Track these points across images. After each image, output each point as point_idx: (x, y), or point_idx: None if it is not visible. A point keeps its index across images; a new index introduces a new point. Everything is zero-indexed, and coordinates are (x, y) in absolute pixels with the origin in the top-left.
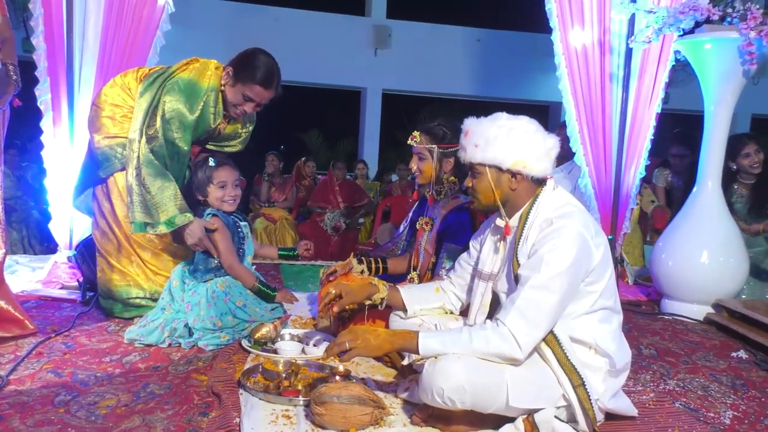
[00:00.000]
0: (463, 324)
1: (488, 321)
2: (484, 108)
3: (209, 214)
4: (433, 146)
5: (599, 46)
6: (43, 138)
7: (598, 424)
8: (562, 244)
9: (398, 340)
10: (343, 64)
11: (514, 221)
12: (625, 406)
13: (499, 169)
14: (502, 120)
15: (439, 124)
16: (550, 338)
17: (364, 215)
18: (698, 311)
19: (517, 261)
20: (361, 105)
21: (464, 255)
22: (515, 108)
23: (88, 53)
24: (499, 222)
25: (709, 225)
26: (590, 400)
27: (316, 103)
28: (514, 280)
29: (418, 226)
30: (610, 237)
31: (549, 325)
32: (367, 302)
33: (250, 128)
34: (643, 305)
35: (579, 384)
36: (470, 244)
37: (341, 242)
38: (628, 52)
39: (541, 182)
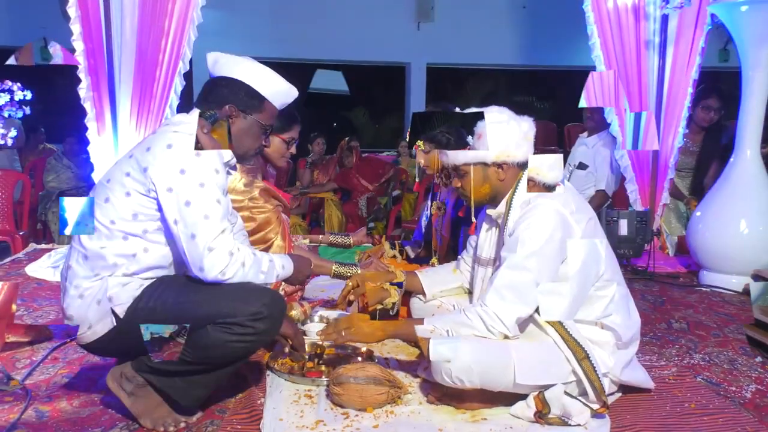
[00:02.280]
0: None
1: (474, 304)
2: (531, 77)
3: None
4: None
5: (633, 13)
6: (88, 134)
7: (607, 396)
8: (537, 222)
9: (390, 327)
10: (386, 39)
11: (501, 207)
12: (640, 377)
13: (485, 164)
14: None
15: (441, 132)
16: None
17: (397, 185)
18: (737, 282)
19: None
20: (405, 80)
21: (472, 237)
22: (564, 75)
23: (126, 49)
24: (493, 212)
25: (748, 194)
26: (596, 372)
27: (361, 81)
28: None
29: (432, 211)
30: (646, 209)
31: (530, 302)
32: (378, 306)
33: None
34: (681, 277)
35: (583, 357)
36: (477, 230)
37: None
38: (664, 18)
39: (524, 166)
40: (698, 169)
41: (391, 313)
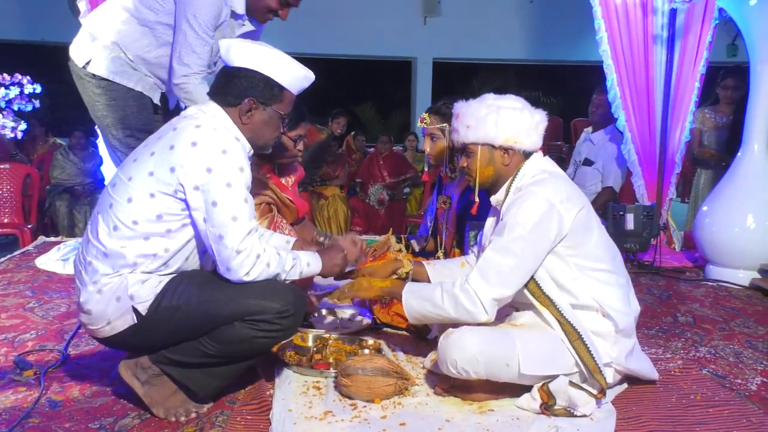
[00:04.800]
0: None
1: (458, 280)
2: (539, 71)
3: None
4: (444, 125)
5: (641, 7)
6: (97, 129)
7: (612, 386)
8: (525, 208)
9: (386, 285)
10: (393, 34)
11: (500, 195)
12: (645, 366)
13: (492, 146)
14: (490, 100)
15: (445, 103)
16: (544, 299)
17: (411, 186)
18: (743, 277)
19: None
20: (412, 75)
21: (481, 232)
22: (572, 70)
23: None
24: (494, 199)
25: (755, 189)
26: (590, 353)
27: (367, 76)
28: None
29: (437, 206)
30: (653, 203)
31: (511, 286)
32: (393, 277)
33: None
34: (687, 272)
35: (576, 338)
36: None
37: (389, 214)
38: (672, 12)
39: (529, 156)
40: (735, 123)
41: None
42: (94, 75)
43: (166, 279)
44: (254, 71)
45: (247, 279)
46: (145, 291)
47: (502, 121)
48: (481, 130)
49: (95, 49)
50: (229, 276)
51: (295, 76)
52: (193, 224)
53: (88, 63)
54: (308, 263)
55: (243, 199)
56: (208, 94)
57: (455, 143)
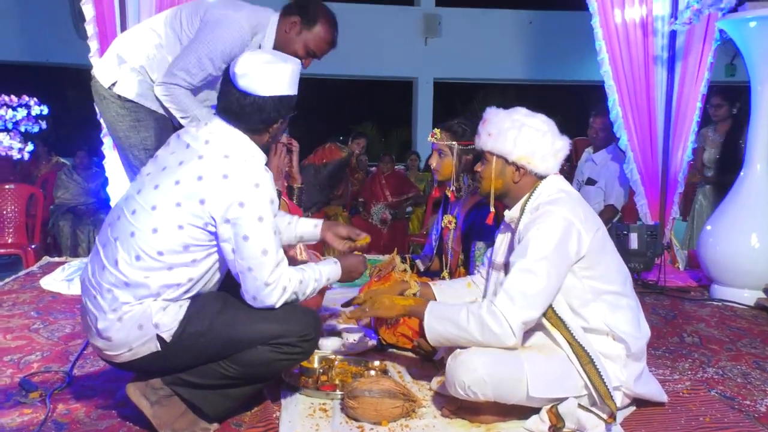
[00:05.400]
0: None
1: (484, 301)
2: (538, 91)
3: None
4: (453, 143)
5: (642, 28)
6: (104, 149)
7: (621, 409)
8: (546, 228)
9: (408, 305)
10: (394, 54)
11: (515, 212)
12: (653, 390)
13: (506, 160)
14: (518, 114)
15: (459, 122)
16: (556, 321)
17: (413, 205)
18: (749, 297)
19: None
20: (413, 95)
21: (490, 249)
22: (571, 89)
23: None
24: (507, 215)
25: (758, 207)
26: (601, 377)
27: (369, 95)
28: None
29: (443, 225)
30: (656, 223)
31: (539, 307)
32: None
33: None
34: (692, 291)
35: (587, 362)
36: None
37: (392, 233)
38: (672, 33)
39: (543, 178)
40: (726, 142)
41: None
42: (119, 96)
43: (186, 303)
44: (276, 96)
45: (272, 307)
46: (169, 318)
47: (521, 138)
48: (499, 141)
49: (122, 71)
50: (254, 304)
51: (296, 80)
52: (219, 252)
53: (114, 84)
54: (329, 278)
55: (273, 232)
56: (222, 114)
57: (476, 146)
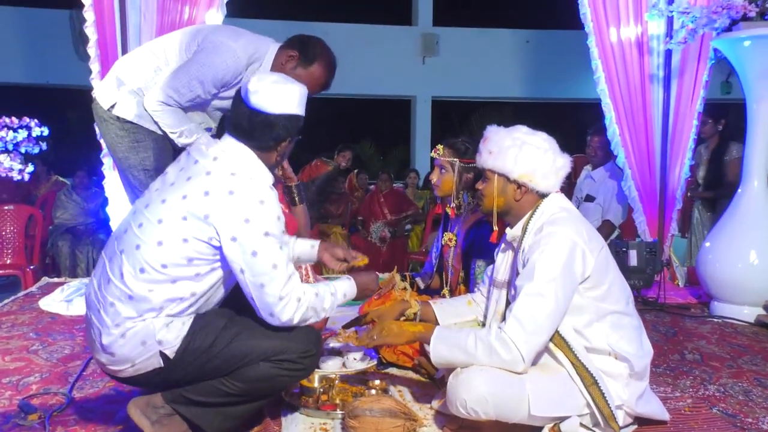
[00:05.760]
0: None
1: (493, 327)
2: (536, 109)
3: None
4: (455, 160)
5: (637, 48)
6: (103, 169)
7: (622, 428)
8: (551, 250)
9: (418, 332)
10: (393, 73)
11: (517, 230)
12: (655, 409)
13: (507, 178)
14: (518, 133)
15: (462, 140)
16: (559, 341)
17: (412, 222)
18: (749, 313)
19: (518, 269)
20: (411, 113)
21: (490, 266)
22: (568, 107)
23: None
24: (509, 233)
25: (757, 224)
26: (605, 397)
27: (367, 114)
28: (514, 288)
29: (443, 242)
30: (655, 240)
31: (548, 331)
32: (402, 318)
33: None
34: (692, 308)
35: (591, 383)
36: (495, 255)
37: (391, 252)
38: (668, 52)
39: (546, 196)
40: (711, 159)
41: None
42: (118, 118)
43: (189, 320)
44: (286, 114)
45: (290, 323)
46: (172, 335)
47: (522, 157)
48: (500, 159)
49: (121, 93)
50: (271, 321)
51: (305, 99)
52: (223, 267)
53: (113, 106)
54: (345, 294)
55: (279, 246)
56: (232, 132)
57: (477, 164)
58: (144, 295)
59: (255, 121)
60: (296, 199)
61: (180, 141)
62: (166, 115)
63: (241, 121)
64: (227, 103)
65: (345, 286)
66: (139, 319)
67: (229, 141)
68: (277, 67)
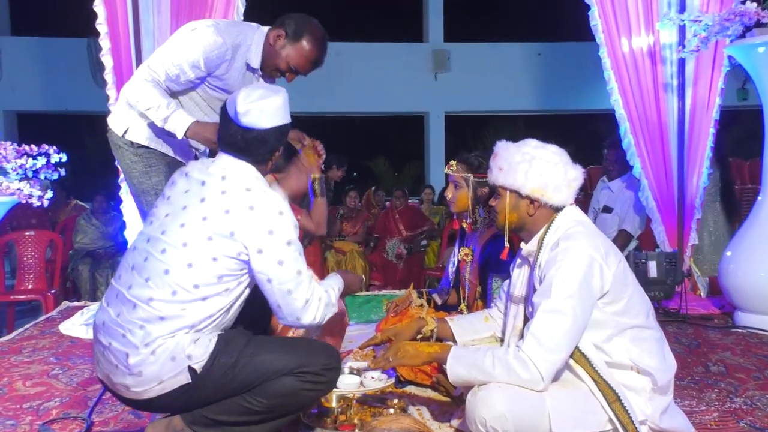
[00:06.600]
0: None
1: (511, 346)
2: (549, 121)
3: None
4: (469, 175)
5: (650, 57)
6: (121, 194)
7: None
8: (568, 266)
9: (434, 352)
10: (405, 90)
11: (532, 245)
12: (680, 424)
13: (519, 194)
14: (527, 147)
15: (475, 155)
16: (579, 357)
17: (428, 238)
18: None
19: (535, 285)
20: (424, 129)
21: (506, 281)
22: (581, 118)
23: None
24: (524, 248)
25: None
26: (628, 415)
27: (381, 131)
28: (532, 305)
29: (459, 258)
30: (675, 250)
31: (567, 348)
32: (418, 336)
33: None
34: (715, 319)
35: (614, 400)
36: (511, 270)
37: (407, 268)
38: (681, 61)
39: (560, 210)
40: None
41: (431, 341)
42: (132, 143)
43: (215, 337)
44: (275, 127)
45: (316, 323)
46: (200, 350)
47: (533, 172)
48: (510, 176)
49: (132, 116)
50: (297, 324)
51: (288, 108)
52: (250, 277)
53: (126, 131)
54: (339, 289)
55: (300, 252)
56: (227, 150)
57: (489, 181)
58: (176, 314)
59: (249, 138)
60: (318, 191)
61: (151, 115)
62: (143, 91)
63: (236, 140)
64: (223, 95)
65: (334, 282)
66: (169, 336)
67: (227, 159)
68: (266, 48)
